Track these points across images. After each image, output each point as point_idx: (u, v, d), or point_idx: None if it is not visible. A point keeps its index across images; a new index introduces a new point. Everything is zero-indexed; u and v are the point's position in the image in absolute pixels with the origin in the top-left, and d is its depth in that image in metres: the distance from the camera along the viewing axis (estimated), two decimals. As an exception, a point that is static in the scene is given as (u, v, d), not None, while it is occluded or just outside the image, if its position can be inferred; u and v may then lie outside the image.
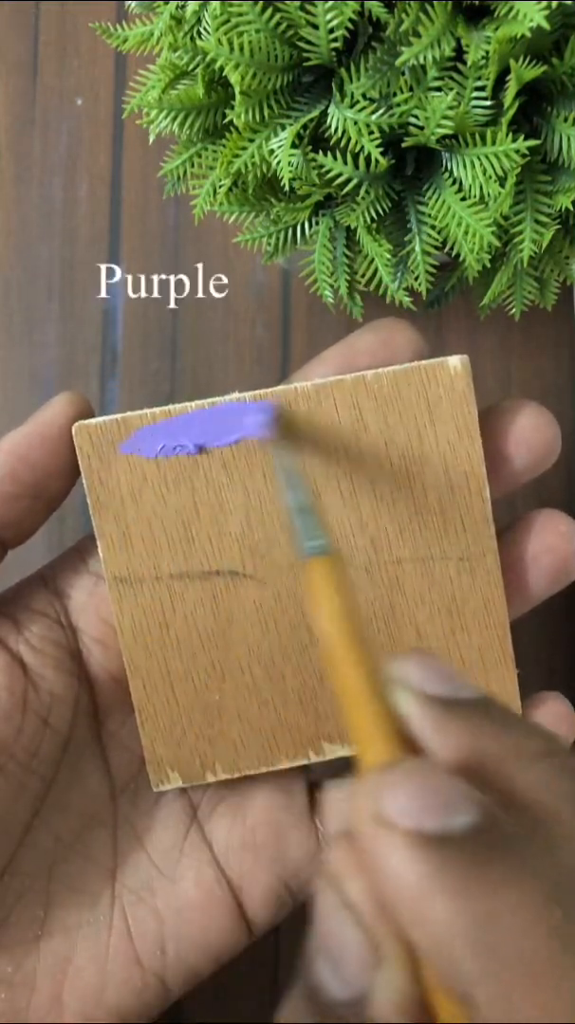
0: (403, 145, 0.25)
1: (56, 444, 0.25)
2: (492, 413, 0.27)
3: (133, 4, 0.26)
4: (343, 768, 0.28)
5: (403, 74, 0.24)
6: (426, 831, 0.16)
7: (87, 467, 0.25)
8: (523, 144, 0.24)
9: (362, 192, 0.25)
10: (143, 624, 0.26)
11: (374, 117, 0.24)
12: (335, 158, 0.24)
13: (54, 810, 0.26)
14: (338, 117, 0.24)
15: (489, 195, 0.24)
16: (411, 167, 0.26)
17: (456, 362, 0.25)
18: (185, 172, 0.26)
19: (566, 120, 0.24)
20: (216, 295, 0.35)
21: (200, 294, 0.35)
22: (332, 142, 0.24)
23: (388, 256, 0.26)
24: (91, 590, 0.27)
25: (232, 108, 0.24)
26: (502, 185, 0.24)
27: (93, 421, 0.25)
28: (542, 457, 0.26)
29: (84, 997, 0.25)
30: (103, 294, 0.35)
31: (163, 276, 0.35)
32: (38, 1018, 0.25)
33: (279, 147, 0.24)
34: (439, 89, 0.23)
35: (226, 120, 0.25)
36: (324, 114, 0.24)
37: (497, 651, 0.26)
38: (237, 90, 0.24)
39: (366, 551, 0.26)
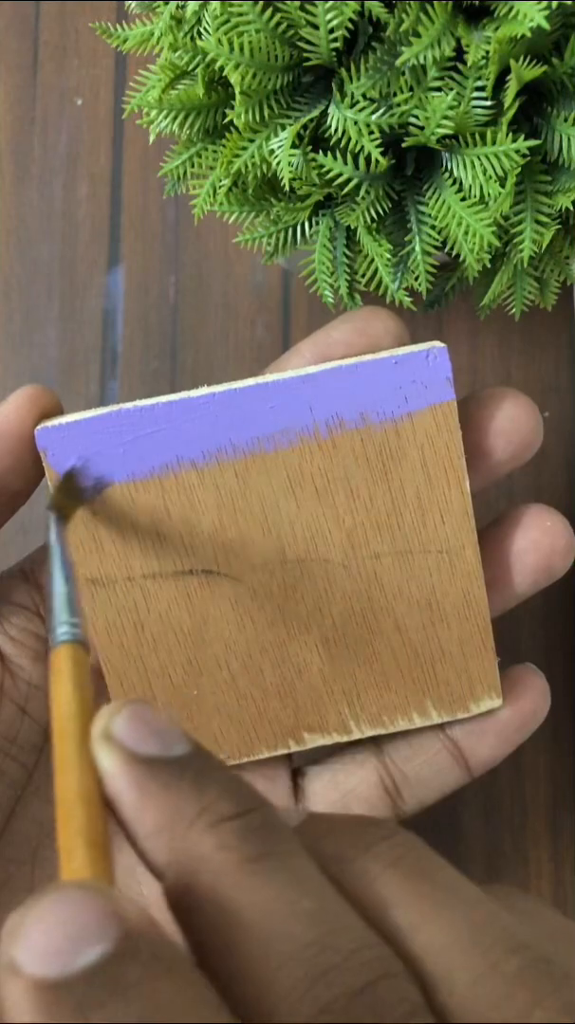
0: (403, 145, 0.25)
1: (13, 442, 0.25)
2: (471, 402, 0.26)
3: (133, 4, 0.26)
4: (326, 754, 0.28)
5: (403, 74, 0.24)
6: (46, 978, 0.15)
7: (52, 471, 0.25)
8: (523, 144, 0.24)
9: (362, 192, 0.25)
10: (117, 624, 0.26)
11: (374, 117, 0.24)
12: (335, 158, 0.24)
13: (36, 797, 0.26)
14: (338, 117, 0.24)
15: (489, 195, 0.24)
16: (411, 167, 0.26)
17: (435, 351, 0.25)
18: (185, 172, 0.26)
19: (566, 120, 0.24)
20: (216, 295, 0.35)
21: (200, 294, 0.35)
22: (332, 142, 0.25)
23: (388, 256, 0.26)
24: None
25: (232, 108, 0.24)
26: (502, 185, 0.24)
27: (55, 422, 0.25)
28: (523, 448, 0.26)
29: None
30: (103, 294, 0.35)
31: (163, 276, 0.35)
32: None
33: (279, 147, 0.24)
34: (439, 89, 0.23)
35: (226, 120, 0.25)
36: (324, 114, 0.24)
37: (478, 642, 0.26)
38: (237, 90, 0.24)
39: (343, 546, 0.26)
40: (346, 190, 0.25)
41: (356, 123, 0.24)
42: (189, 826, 0.17)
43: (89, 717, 0.18)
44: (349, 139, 0.24)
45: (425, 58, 0.23)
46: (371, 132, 0.24)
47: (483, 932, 0.16)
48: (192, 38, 0.25)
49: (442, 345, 0.25)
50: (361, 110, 0.24)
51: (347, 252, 0.27)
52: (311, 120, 0.25)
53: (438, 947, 0.16)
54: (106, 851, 0.17)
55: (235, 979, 0.16)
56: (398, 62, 0.23)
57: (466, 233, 0.25)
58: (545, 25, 0.22)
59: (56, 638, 0.20)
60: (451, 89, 0.23)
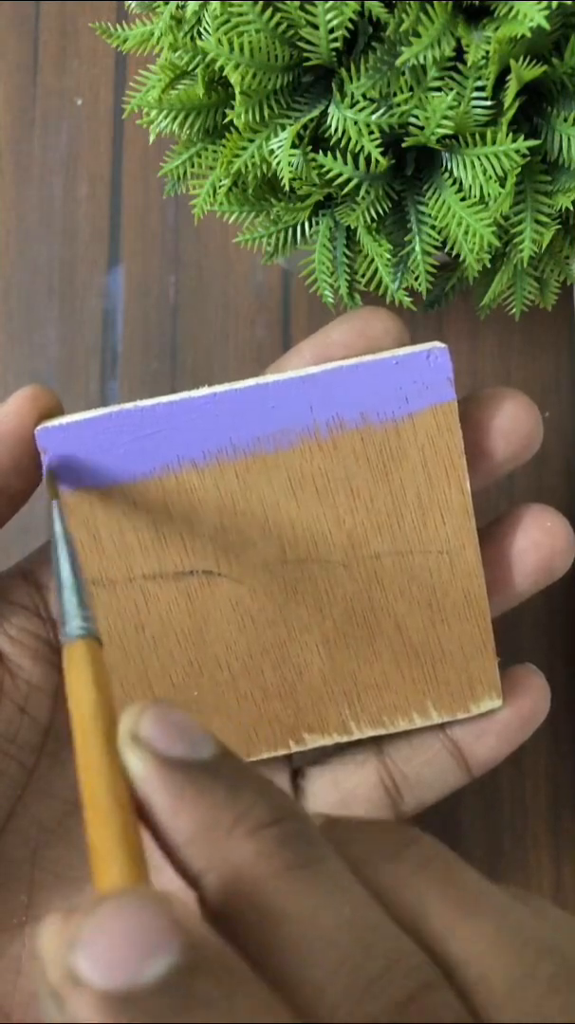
0: (403, 145, 0.25)
1: (13, 442, 0.25)
2: (472, 402, 0.26)
3: (133, 4, 0.26)
4: (326, 755, 0.28)
5: (403, 74, 0.24)
6: (114, 990, 0.14)
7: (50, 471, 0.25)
8: (523, 144, 0.24)
9: (362, 192, 0.25)
10: (118, 626, 0.26)
11: (374, 117, 0.24)
12: (335, 158, 0.24)
13: (36, 796, 0.26)
14: (338, 117, 0.24)
15: (489, 195, 0.24)
16: (411, 167, 0.26)
17: (435, 351, 0.25)
18: (185, 172, 0.26)
19: (566, 120, 0.24)
20: (216, 295, 0.35)
21: (200, 294, 0.35)
22: (332, 142, 0.25)
23: (388, 256, 0.26)
24: None
25: (232, 108, 0.24)
26: (502, 185, 0.24)
27: (56, 423, 0.25)
28: (524, 448, 0.26)
29: None
30: (103, 294, 0.35)
31: (163, 276, 0.35)
32: (24, 1001, 0.25)
33: (279, 147, 0.24)
34: (439, 89, 0.23)
35: (226, 120, 0.25)
36: (324, 114, 0.24)
37: (478, 642, 0.26)
38: (237, 90, 0.24)
39: (343, 547, 0.26)
40: (346, 190, 0.25)
41: (356, 123, 0.24)
42: (227, 833, 0.16)
43: (111, 717, 0.18)
44: (349, 139, 0.24)
45: (425, 58, 0.23)
46: (371, 132, 0.24)
47: (514, 936, 0.16)
48: (192, 38, 0.25)
49: (443, 345, 0.25)
50: (361, 110, 0.24)
51: (347, 252, 0.27)
52: (311, 120, 0.25)
53: (473, 952, 0.16)
54: (143, 859, 0.16)
55: (281, 988, 0.15)
56: (398, 62, 0.23)
57: (466, 233, 0.25)
58: (545, 25, 0.22)
59: (68, 632, 0.20)
60: (451, 89, 0.23)
